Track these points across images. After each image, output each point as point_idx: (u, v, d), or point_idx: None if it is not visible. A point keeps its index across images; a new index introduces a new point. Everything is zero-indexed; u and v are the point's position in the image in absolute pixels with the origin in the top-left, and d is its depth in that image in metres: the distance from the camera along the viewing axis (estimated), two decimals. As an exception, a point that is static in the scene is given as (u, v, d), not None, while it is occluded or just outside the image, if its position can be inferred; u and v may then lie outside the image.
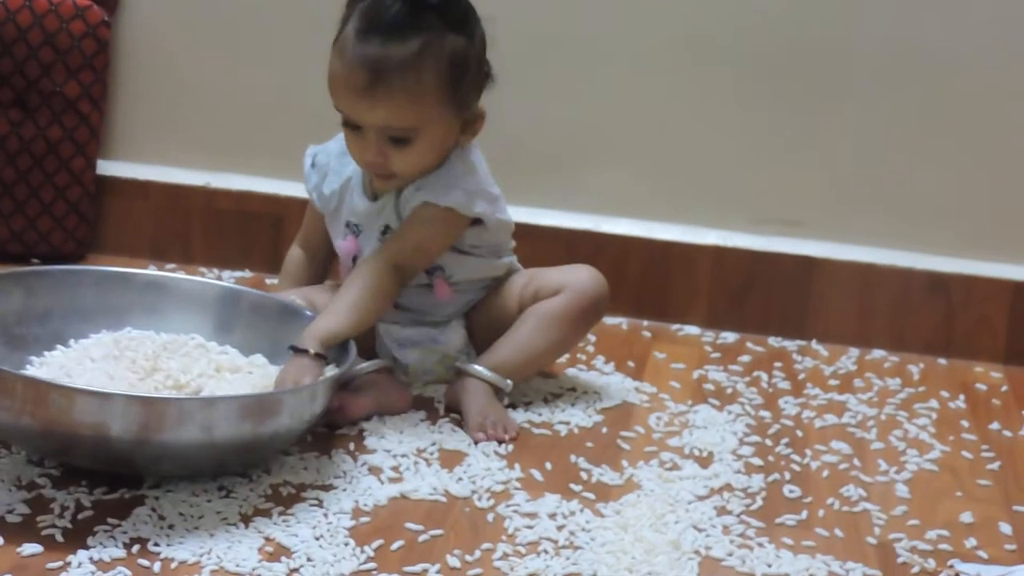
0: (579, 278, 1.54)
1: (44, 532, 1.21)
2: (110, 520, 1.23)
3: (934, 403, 1.67)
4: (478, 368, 1.51)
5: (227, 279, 1.93)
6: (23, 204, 1.92)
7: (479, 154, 1.55)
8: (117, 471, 1.29)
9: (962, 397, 1.70)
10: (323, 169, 1.59)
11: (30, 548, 1.18)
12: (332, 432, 1.44)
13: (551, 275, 1.55)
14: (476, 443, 1.44)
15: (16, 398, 1.24)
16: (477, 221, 1.52)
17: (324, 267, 1.65)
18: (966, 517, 1.37)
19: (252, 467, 1.34)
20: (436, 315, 1.57)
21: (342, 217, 1.56)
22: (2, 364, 1.34)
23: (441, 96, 1.45)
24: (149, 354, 1.41)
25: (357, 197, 1.55)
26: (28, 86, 1.89)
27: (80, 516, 1.24)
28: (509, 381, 1.51)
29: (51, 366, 1.40)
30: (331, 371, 1.38)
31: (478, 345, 1.58)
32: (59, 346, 1.43)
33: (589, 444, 1.48)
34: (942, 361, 1.82)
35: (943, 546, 1.31)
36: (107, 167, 1.97)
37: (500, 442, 1.44)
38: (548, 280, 1.55)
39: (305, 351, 1.38)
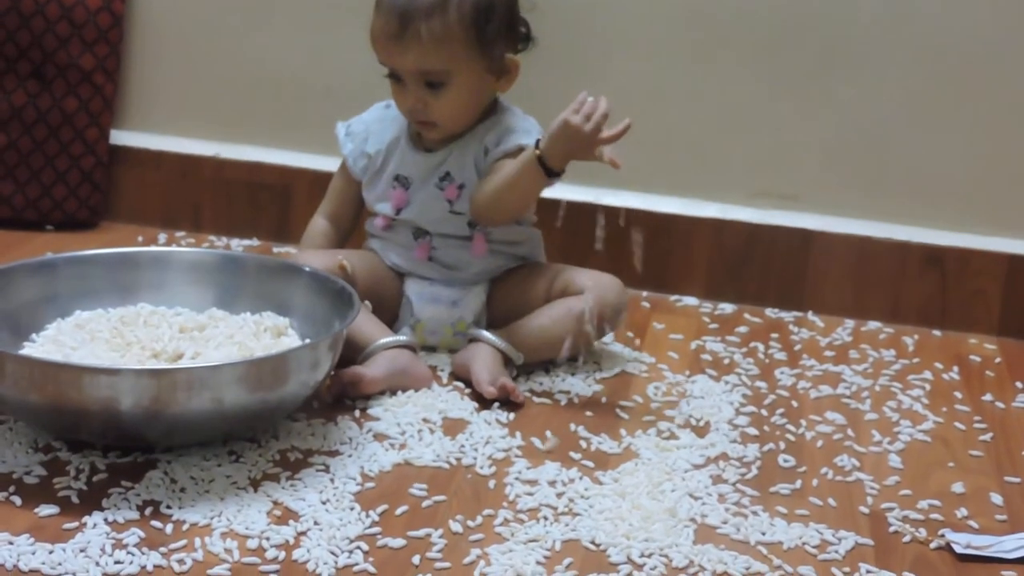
0: (603, 284, 1.58)
1: (60, 494, 1.24)
2: (124, 483, 1.26)
3: (928, 375, 1.68)
4: (492, 336, 1.54)
5: (235, 247, 1.96)
6: (39, 172, 1.95)
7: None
8: (126, 445, 1.32)
9: (956, 369, 1.71)
10: (359, 136, 1.64)
11: (47, 509, 1.22)
12: (341, 403, 1.47)
13: (578, 276, 1.58)
14: (486, 397, 1.47)
15: (21, 377, 1.27)
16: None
17: (346, 237, 1.69)
18: (958, 487, 1.38)
19: (261, 432, 1.37)
20: (465, 272, 1.61)
21: (388, 173, 1.61)
22: (8, 347, 1.38)
23: (467, 39, 1.51)
24: (113, 331, 1.44)
25: (407, 152, 1.60)
26: (45, 58, 1.92)
27: (95, 479, 1.27)
28: (520, 354, 1.54)
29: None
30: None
31: (492, 321, 1.61)
32: (25, 343, 1.44)
33: (588, 413, 1.50)
34: (936, 333, 1.83)
35: (935, 516, 1.33)
36: (120, 137, 2.00)
37: (509, 398, 1.47)
38: (574, 280, 1.58)
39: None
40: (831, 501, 1.34)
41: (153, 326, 1.46)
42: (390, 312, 1.61)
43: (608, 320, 1.58)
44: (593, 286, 1.57)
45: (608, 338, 1.71)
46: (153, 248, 1.82)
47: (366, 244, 1.67)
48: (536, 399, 1.53)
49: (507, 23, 1.55)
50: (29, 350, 1.41)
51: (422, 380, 1.52)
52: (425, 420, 1.45)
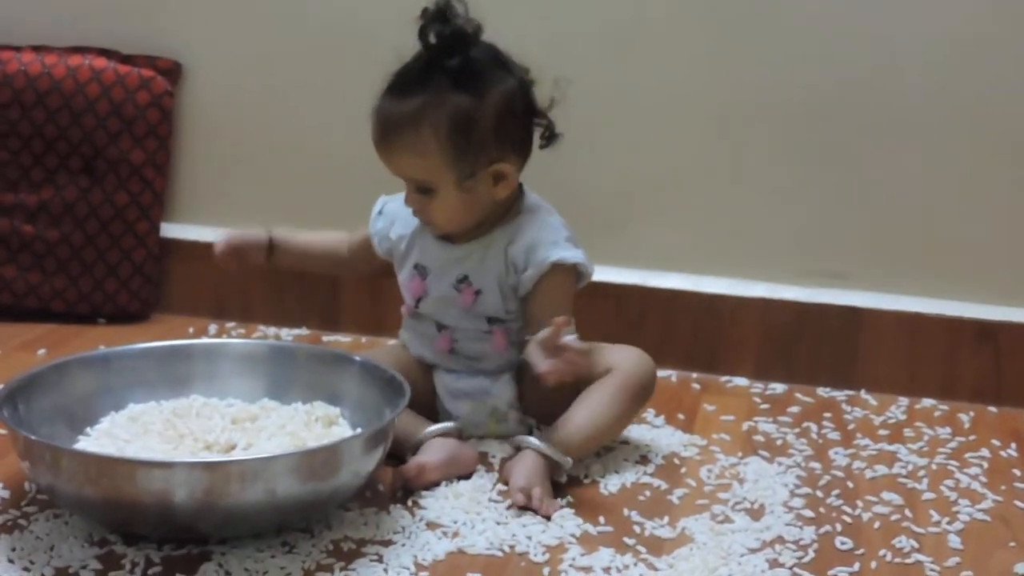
0: (629, 359, 1.57)
1: (116, 588, 1.25)
2: (178, 576, 1.27)
3: (985, 452, 1.66)
4: (536, 442, 1.49)
5: (285, 336, 1.97)
6: (91, 266, 1.98)
7: (552, 209, 1.60)
8: (179, 537, 1.32)
9: (1013, 445, 1.68)
10: (391, 216, 1.64)
11: (103, 604, 1.22)
12: (395, 491, 1.47)
13: (603, 354, 1.57)
14: (512, 506, 1.43)
15: (76, 472, 1.27)
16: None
17: (346, 266, 1.73)
18: (1020, 568, 1.36)
19: (314, 523, 1.37)
20: (490, 364, 1.61)
21: (411, 260, 1.61)
22: (64, 440, 1.39)
23: (442, 153, 1.50)
24: (166, 423, 1.45)
25: (429, 241, 1.60)
26: (96, 154, 1.96)
27: (150, 572, 1.27)
28: (569, 458, 1.49)
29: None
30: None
31: (525, 403, 1.61)
32: (79, 436, 1.45)
33: (641, 498, 1.49)
34: (992, 409, 1.81)
35: (996, 596, 1.31)
36: (170, 230, 2.03)
37: (536, 512, 1.42)
38: (600, 358, 1.56)
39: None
40: (891, 584, 1.32)
41: (205, 418, 1.47)
42: (420, 404, 1.57)
43: (643, 392, 1.56)
44: (621, 361, 1.56)
45: (659, 421, 1.71)
46: (204, 340, 1.84)
47: (399, 335, 1.68)
48: (588, 484, 1.52)
49: (496, 133, 1.51)
50: (83, 444, 1.42)
51: (471, 463, 1.52)
52: (477, 507, 1.44)
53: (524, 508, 1.43)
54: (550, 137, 1.58)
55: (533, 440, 1.49)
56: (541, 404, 1.59)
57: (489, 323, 1.59)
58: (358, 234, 1.70)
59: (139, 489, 1.25)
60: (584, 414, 1.52)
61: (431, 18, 1.50)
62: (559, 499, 1.46)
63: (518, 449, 1.51)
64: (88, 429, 1.46)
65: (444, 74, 1.49)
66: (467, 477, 1.51)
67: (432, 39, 1.50)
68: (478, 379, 1.60)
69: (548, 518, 1.42)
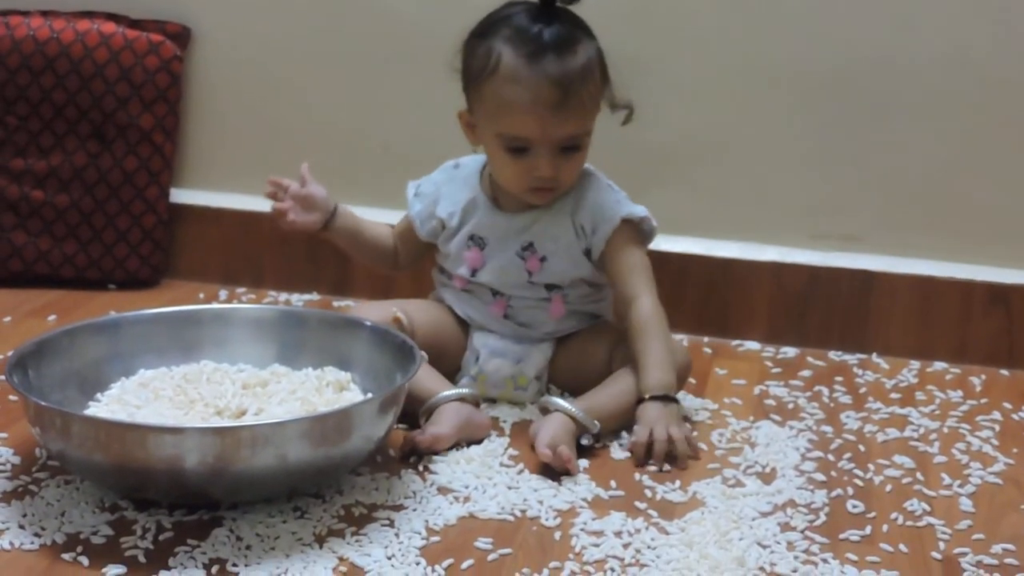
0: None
1: (127, 553, 1.25)
2: (190, 541, 1.27)
3: (997, 415, 1.66)
4: (564, 404, 1.48)
5: (296, 302, 1.97)
6: (100, 232, 1.97)
7: None
8: (191, 502, 1.32)
9: (1025, 408, 1.69)
10: (431, 196, 1.64)
11: (114, 570, 1.22)
12: (407, 455, 1.47)
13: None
14: (540, 458, 1.44)
15: (87, 438, 1.27)
16: None
17: (394, 254, 1.70)
18: (1031, 530, 1.36)
19: (325, 488, 1.38)
20: (538, 331, 1.62)
21: (463, 233, 1.61)
22: (75, 406, 1.40)
23: (599, 99, 1.55)
24: (177, 388, 1.45)
25: (486, 213, 1.60)
26: (105, 119, 1.95)
27: (161, 537, 1.28)
28: (596, 422, 1.49)
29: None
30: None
31: (557, 373, 1.62)
32: (90, 402, 1.45)
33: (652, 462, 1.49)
34: (1004, 372, 1.81)
35: (1009, 560, 1.30)
36: (180, 195, 2.03)
37: (563, 469, 1.43)
38: None
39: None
40: (902, 547, 1.32)
41: (216, 383, 1.47)
42: (450, 363, 1.61)
43: (681, 377, 1.58)
44: None
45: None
46: (215, 305, 1.84)
47: (434, 294, 1.68)
48: (600, 448, 1.52)
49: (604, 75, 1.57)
50: (94, 410, 1.43)
51: (484, 429, 1.52)
52: (489, 471, 1.44)
53: (548, 466, 1.43)
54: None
55: (562, 402, 1.49)
56: (569, 373, 1.61)
57: (548, 290, 1.60)
58: (401, 222, 1.69)
59: (150, 455, 1.25)
60: (614, 391, 1.53)
61: None
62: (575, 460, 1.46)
63: (545, 411, 1.51)
64: (99, 395, 1.46)
65: (570, 21, 1.53)
66: (479, 442, 1.51)
67: None
68: (519, 345, 1.61)
69: (570, 474, 1.43)
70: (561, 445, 1.44)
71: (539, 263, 1.58)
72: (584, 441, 1.49)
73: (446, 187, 1.62)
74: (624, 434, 1.54)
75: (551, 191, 1.56)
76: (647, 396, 1.50)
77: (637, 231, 1.60)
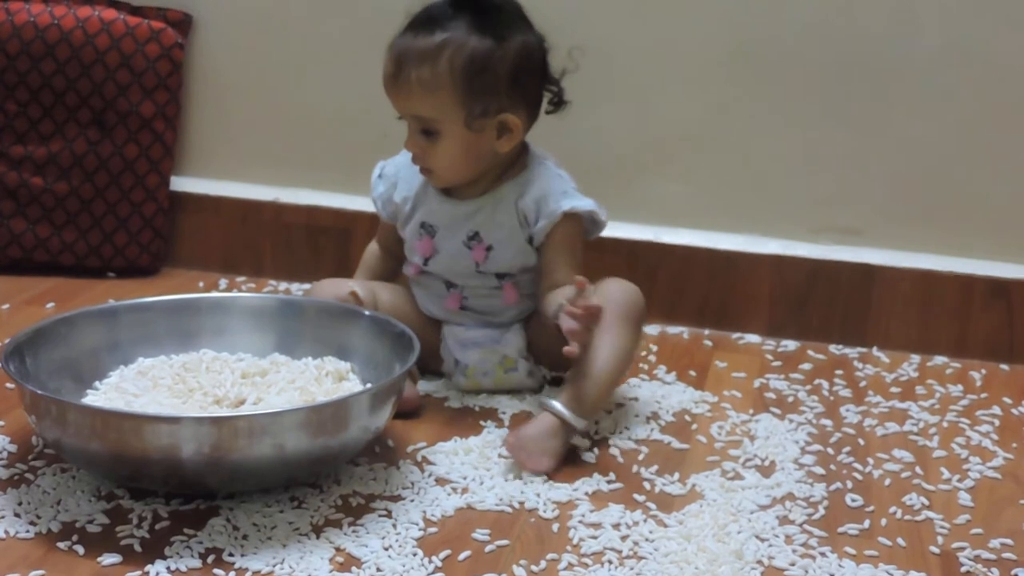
0: (610, 291, 1.53)
1: (123, 542, 1.25)
2: (186, 530, 1.26)
3: (997, 409, 1.66)
4: (557, 406, 1.45)
5: (296, 291, 1.97)
6: (100, 220, 1.97)
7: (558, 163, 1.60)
8: (188, 492, 1.32)
9: (1025, 403, 1.69)
10: (392, 179, 1.64)
11: (110, 558, 1.22)
12: (403, 447, 1.47)
13: (598, 288, 1.53)
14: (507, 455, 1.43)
15: (83, 426, 1.27)
16: None
17: (398, 262, 1.70)
18: (1030, 525, 1.36)
19: (323, 478, 1.37)
20: (500, 317, 1.61)
21: (415, 220, 1.61)
22: (72, 394, 1.39)
23: (455, 91, 1.49)
24: (175, 377, 1.45)
25: (435, 200, 1.59)
26: (105, 106, 1.95)
27: (157, 527, 1.27)
28: (582, 420, 1.45)
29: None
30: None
31: (535, 352, 1.62)
32: (88, 390, 1.45)
33: (652, 454, 1.49)
34: (1004, 367, 1.81)
35: (1007, 555, 1.30)
36: (180, 183, 2.02)
37: (524, 468, 1.42)
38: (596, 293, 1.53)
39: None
40: (900, 541, 1.32)
41: (215, 372, 1.47)
42: (427, 345, 1.57)
43: (634, 318, 1.52)
44: (604, 299, 1.48)
45: (671, 377, 1.71)
46: (214, 294, 1.84)
47: (409, 274, 1.67)
48: (598, 441, 1.51)
49: (509, 82, 1.51)
50: (92, 398, 1.42)
51: (412, 403, 1.54)
52: (487, 462, 1.44)
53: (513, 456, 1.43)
54: (559, 103, 1.59)
55: (556, 404, 1.45)
56: (550, 353, 1.59)
57: (498, 279, 1.59)
58: (379, 229, 1.70)
59: (146, 444, 1.24)
60: (598, 378, 1.48)
61: None
62: (547, 460, 1.43)
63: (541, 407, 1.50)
64: (97, 383, 1.46)
65: (469, 17, 1.50)
66: (406, 414, 1.52)
67: None
68: (489, 330, 1.61)
69: (539, 473, 1.41)
70: (529, 444, 1.42)
71: (485, 252, 1.57)
72: (577, 441, 1.48)
73: (405, 170, 1.61)
74: (626, 428, 1.54)
75: (430, 172, 1.55)
76: (549, 407, 1.46)
77: (579, 225, 1.58)
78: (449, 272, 1.60)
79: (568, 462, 1.45)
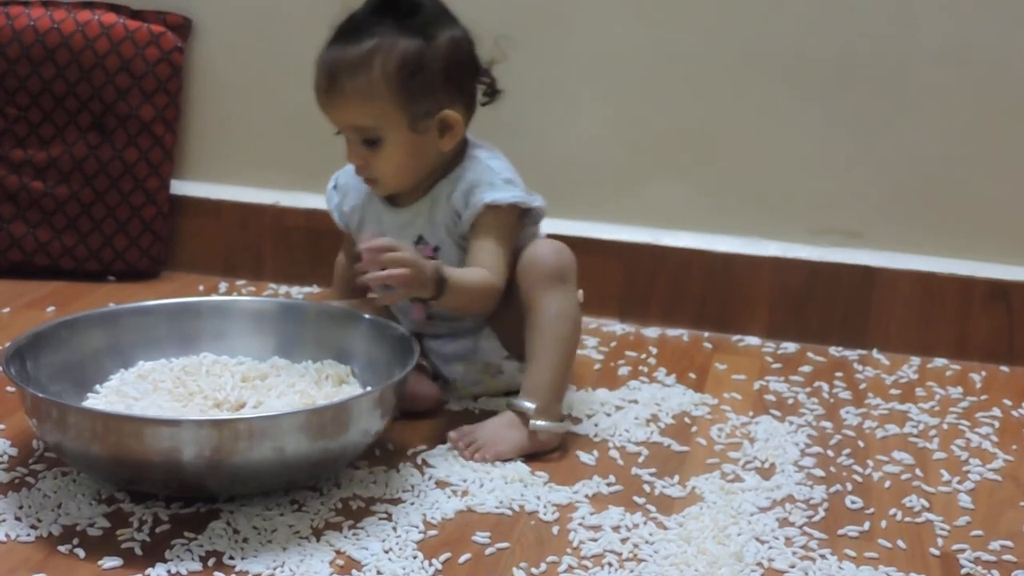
0: (538, 253, 1.51)
1: (124, 545, 1.25)
2: (187, 534, 1.26)
3: (996, 412, 1.66)
4: (513, 400, 1.49)
5: (296, 294, 1.97)
6: (100, 223, 1.97)
7: (499, 154, 1.57)
8: (188, 495, 1.32)
9: (1025, 405, 1.68)
10: (344, 189, 1.62)
11: (110, 562, 1.22)
12: (403, 450, 1.47)
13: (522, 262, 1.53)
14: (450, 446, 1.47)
15: (84, 429, 1.27)
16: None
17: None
18: (1030, 527, 1.36)
19: (323, 481, 1.37)
20: (469, 321, 1.59)
21: (366, 231, 1.59)
22: (73, 397, 1.39)
23: (392, 96, 1.48)
24: (176, 380, 1.45)
25: (381, 210, 1.58)
26: (105, 110, 1.95)
27: (158, 530, 1.27)
28: (532, 404, 1.47)
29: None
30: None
31: (510, 346, 1.58)
32: (89, 393, 1.45)
33: (651, 456, 1.49)
34: (1004, 369, 1.81)
35: (1007, 557, 1.30)
36: (180, 187, 2.03)
37: (464, 455, 1.45)
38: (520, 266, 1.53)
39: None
40: (900, 543, 1.32)
41: (215, 375, 1.47)
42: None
43: (559, 275, 1.50)
44: (527, 263, 1.50)
45: (670, 380, 1.71)
46: (214, 297, 1.83)
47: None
48: (598, 442, 1.52)
49: (444, 78, 1.50)
50: (93, 401, 1.42)
51: (430, 400, 1.55)
52: (486, 465, 1.44)
53: (546, 459, 1.45)
54: (492, 93, 1.57)
55: (513, 400, 1.49)
56: (519, 342, 1.55)
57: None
58: (344, 241, 1.68)
59: (147, 447, 1.25)
60: (537, 348, 1.49)
61: None
62: (501, 446, 1.45)
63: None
64: (97, 386, 1.46)
65: (393, 19, 1.49)
66: (422, 410, 1.53)
67: None
68: (463, 340, 1.59)
69: (482, 459, 1.44)
70: (472, 435, 1.46)
71: (433, 254, 1.55)
72: (545, 425, 1.47)
73: (353, 180, 1.59)
74: (626, 431, 1.54)
75: (375, 182, 1.54)
76: (516, 407, 1.48)
77: (504, 216, 1.53)
78: None
79: (568, 464, 1.46)
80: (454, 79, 1.51)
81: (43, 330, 1.44)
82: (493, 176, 1.53)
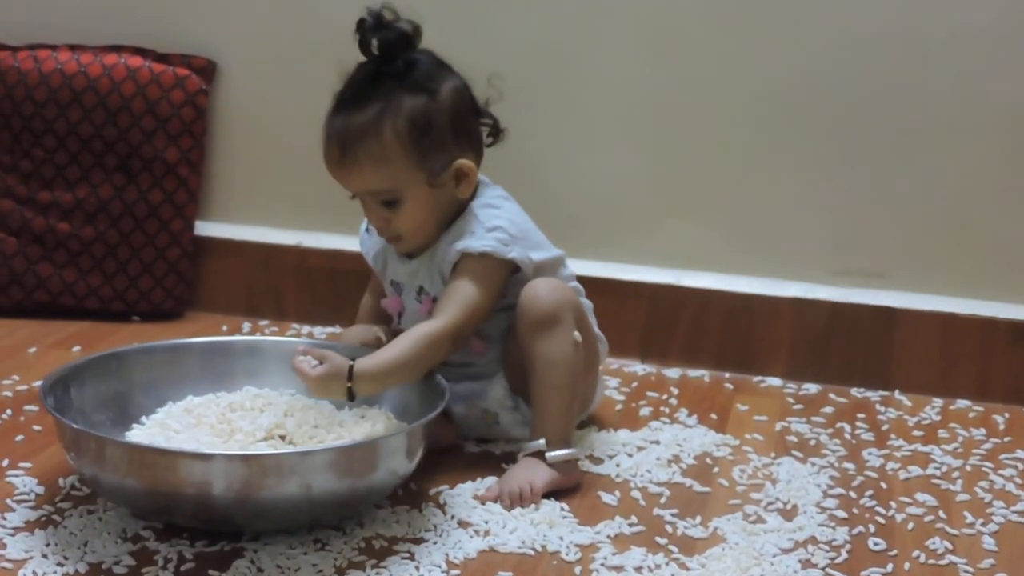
0: (536, 294, 1.51)
1: (149, 583, 1.25)
2: (211, 572, 1.27)
3: (1020, 453, 1.65)
4: (524, 446, 1.51)
5: (319, 335, 1.97)
6: (125, 264, 1.99)
7: (507, 202, 1.57)
8: (216, 528, 1.33)
9: (1048, 447, 1.68)
10: (374, 235, 1.63)
11: (136, 600, 1.23)
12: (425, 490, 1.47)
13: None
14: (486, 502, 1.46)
15: (121, 462, 1.29)
16: (515, 270, 1.54)
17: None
18: (1054, 570, 1.36)
19: (346, 520, 1.38)
20: (479, 368, 1.60)
21: (387, 277, 1.62)
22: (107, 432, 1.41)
23: (407, 156, 1.49)
24: (220, 416, 1.46)
25: (394, 258, 1.60)
26: (131, 152, 1.97)
27: (183, 568, 1.28)
28: (541, 440, 1.49)
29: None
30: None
31: (519, 390, 1.58)
32: (134, 425, 1.47)
33: (673, 497, 1.49)
34: (1028, 411, 1.81)
35: (1031, 600, 1.30)
36: (204, 228, 2.04)
37: (510, 509, 1.44)
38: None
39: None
40: (924, 585, 1.32)
41: (258, 411, 1.47)
42: None
43: (553, 317, 1.50)
44: (522, 307, 1.50)
45: (692, 420, 1.71)
46: (248, 337, 1.85)
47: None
48: (620, 483, 1.52)
49: (453, 129, 1.51)
50: (136, 433, 1.44)
51: (448, 438, 1.57)
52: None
53: (570, 500, 1.45)
54: (495, 134, 1.58)
55: (524, 445, 1.51)
56: (524, 386, 1.55)
57: None
58: (372, 279, 1.69)
59: (180, 480, 1.26)
60: (540, 392, 1.50)
61: (370, 27, 1.50)
62: (535, 483, 1.46)
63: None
64: (144, 418, 1.47)
65: (393, 79, 1.50)
66: (441, 449, 1.54)
67: (375, 48, 1.50)
68: (472, 383, 1.60)
69: (525, 504, 1.44)
70: (507, 487, 1.45)
71: (432, 304, 1.55)
72: (558, 455, 1.48)
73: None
74: (648, 471, 1.54)
75: (398, 239, 1.55)
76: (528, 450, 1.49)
77: (482, 263, 1.51)
78: None
79: (590, 505, 1.46)
80: (462, 128, 1.53)
81: (88, 360, 1.48)
82: (477, 225, 1.53)
